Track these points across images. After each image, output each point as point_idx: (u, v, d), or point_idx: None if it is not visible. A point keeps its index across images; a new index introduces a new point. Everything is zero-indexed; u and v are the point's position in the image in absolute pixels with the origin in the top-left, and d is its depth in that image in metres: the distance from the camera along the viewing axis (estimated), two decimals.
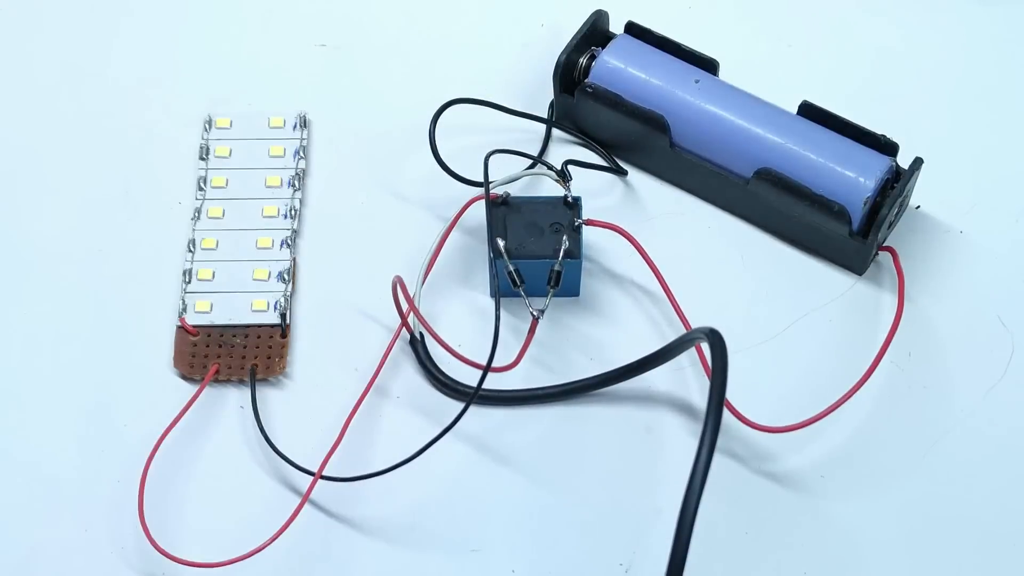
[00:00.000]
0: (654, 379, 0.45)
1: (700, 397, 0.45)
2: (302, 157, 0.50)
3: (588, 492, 0.43)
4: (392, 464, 0.42)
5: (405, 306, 0.44)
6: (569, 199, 0.45)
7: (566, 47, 0.49)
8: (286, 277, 0.47)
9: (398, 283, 0.44)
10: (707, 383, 0.44)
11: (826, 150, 0.46)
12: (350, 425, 0.44)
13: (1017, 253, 0.48)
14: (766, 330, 0.46)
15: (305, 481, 0.43)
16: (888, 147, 0.47)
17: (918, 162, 0.46)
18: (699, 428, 0.44)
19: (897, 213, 0.47)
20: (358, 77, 0.53)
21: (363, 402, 0.44)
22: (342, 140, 0.51)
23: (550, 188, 0.47)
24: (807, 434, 0.43)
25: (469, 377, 0.44)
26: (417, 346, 0.45)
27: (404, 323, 0.45)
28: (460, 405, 0.43)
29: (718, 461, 0.44)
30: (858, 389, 0.43)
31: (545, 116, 0.51)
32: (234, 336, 0.46)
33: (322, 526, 0.43)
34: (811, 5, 0.55)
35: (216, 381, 0.45)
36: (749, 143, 0.47)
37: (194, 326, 0.46)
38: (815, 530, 0.43)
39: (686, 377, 0.45)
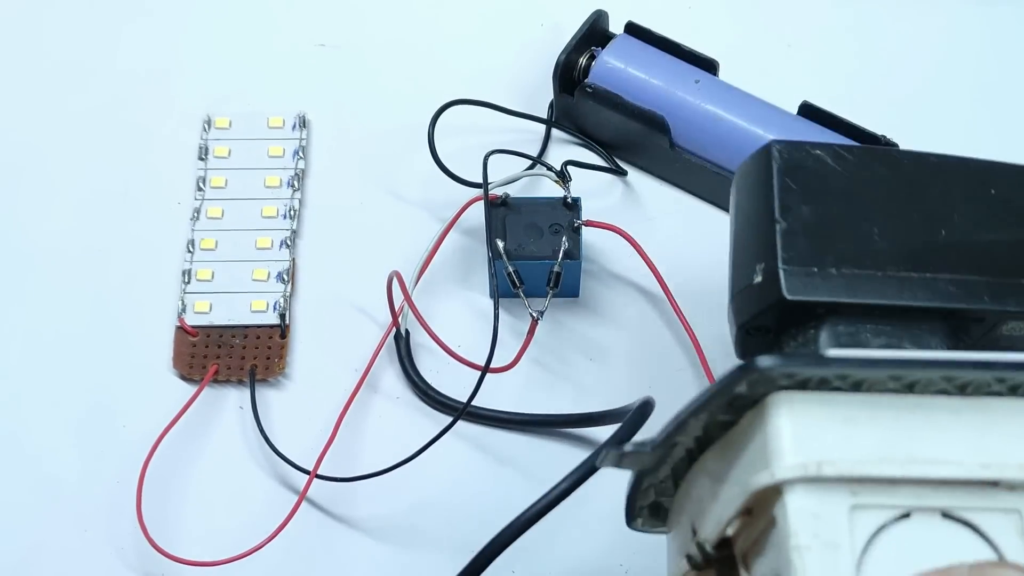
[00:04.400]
0: (653, 381, 0.45)
1: None
2: (301, 157, 0.50)
3: (588, 492, 0.43)
4: (390, 465, 0.42)
5: (398, 301, 0.44)
6: (568, 200, 0.45)
7: (566, 47, 0.49)
8: (285, 277, 0.47)
9: (395, 277, 0.44)
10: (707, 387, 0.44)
11: None
12: (352, 425, 0.44)
13: None
14: None
15: (304, 481, 0.43)
16: (888, 147, 0.47)
17: None
18: None
19: None
20: (357, 77, 0.53)
21: (365, 403, 0.45)
22: (341, 140, 0.51)
23: (549, 189, 0.47)
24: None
25: (458, 380, 0.44)
26: (400, 342, 0.45)
27: (395, 320, 0.45)
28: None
29: None
30: None
31: (544, 116, 0.51)
32: (233, 336, 0.46)
33: (321, 526, 0.43)
34: (811, 5, 0.55)
35: (215, 381, 0.45)
36: (749, 143, 0.47)
37: (193, 326, 0.46)
38: None
39: (687, 378, 0.45)
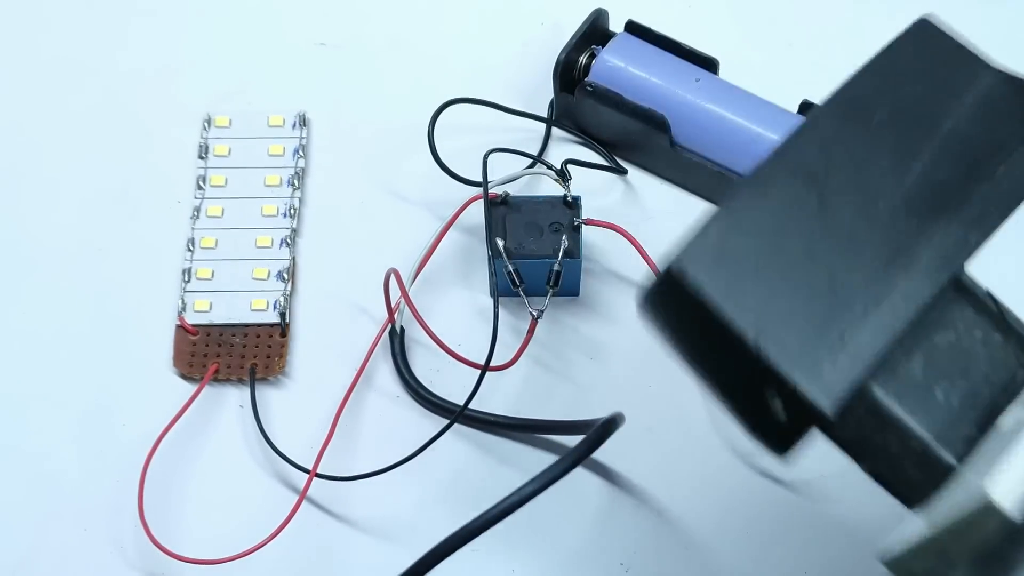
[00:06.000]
0: (653, 381, 0.45)
1: (699, 399, 0.45)
2: (301, 156, 0.50)
3: (589, 492, 0.43)
4: (389, 464, 0.42)
5: (395, 298, 0.44)
6: (569, 198, 0.45)
7: (566, 46, 0.49)
8: (285, 276, 0.47)
9: (392, 275, 0.44)
10: None
11: None
12: (351, 424, 0.44)
13: (1018, 252, 0.48)
14: None
15: (304, 480, 0.43)
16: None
17: None
18: (699, 428, 0.44)
19: None
20: (357, 76, 0.53)
21: (364, 401, 0.45)
22: (341, 139, 0.51)
23: (550, 187, 0.47)
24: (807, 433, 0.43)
25: (458, 379, 0.44)
26: (394, 339, 0.45)
27: (391, 318, 0.45)
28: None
29: (719, 458, 0.44)
30: None
31: (545, 115, 0.51)
32: (233, 335, 0.46)
33: (322, 524, 0.43)
34: (811, 5, 0.55)
35: (215, 380, 0.45)
36: (749, 142, 0.47)
37: (193, 325, 0.46)
38: (815, 530, 0.43)
39: (687, 378, 0.45)
